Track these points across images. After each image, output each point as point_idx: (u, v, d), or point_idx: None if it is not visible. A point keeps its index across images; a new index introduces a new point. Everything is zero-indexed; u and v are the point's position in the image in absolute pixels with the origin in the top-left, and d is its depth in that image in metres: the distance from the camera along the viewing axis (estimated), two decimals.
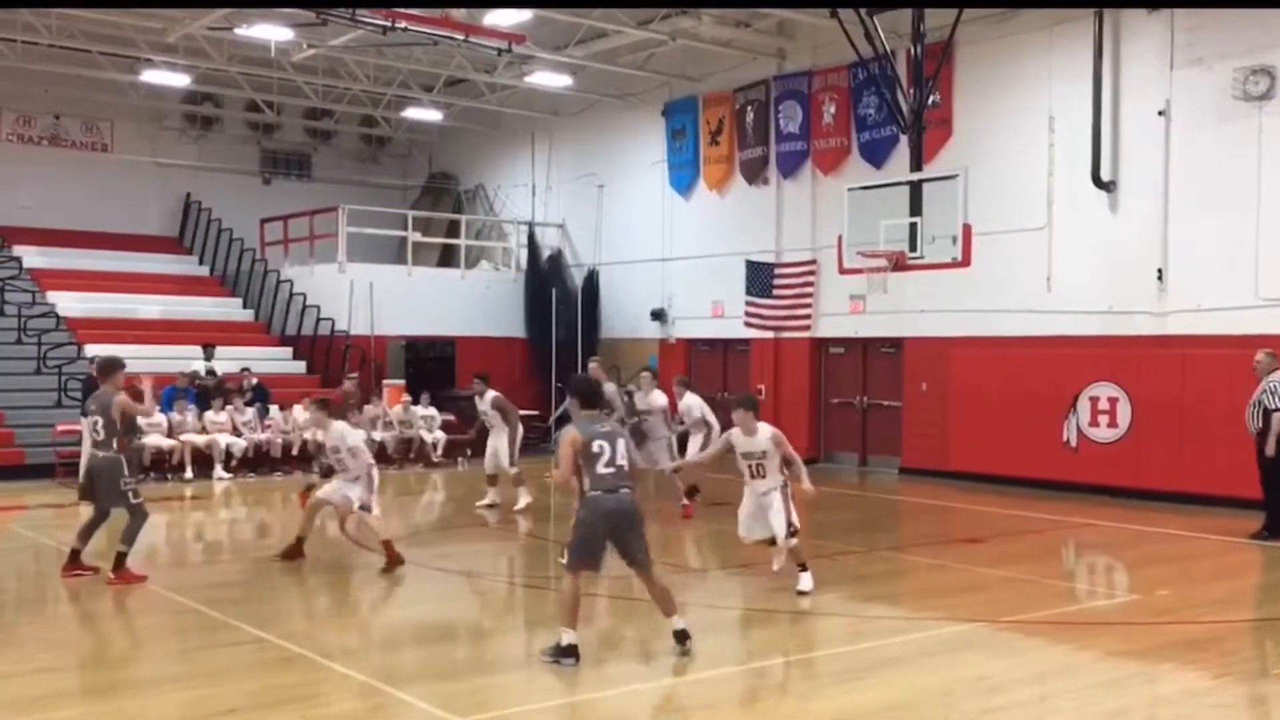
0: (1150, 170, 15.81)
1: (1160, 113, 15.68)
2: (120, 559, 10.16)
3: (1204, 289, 15.18)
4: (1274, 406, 12.34)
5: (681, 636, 7.82)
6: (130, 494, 10.21)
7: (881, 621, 9.03)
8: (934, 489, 17.05)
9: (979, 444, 17.20)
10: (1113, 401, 16.08)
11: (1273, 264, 14.56)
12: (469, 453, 19.58)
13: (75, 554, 10.38)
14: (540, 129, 25.56)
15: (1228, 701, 7.08)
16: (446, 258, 26.40)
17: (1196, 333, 15.17)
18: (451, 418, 21.04)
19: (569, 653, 7.54)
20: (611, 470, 7.65)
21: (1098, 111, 16.12)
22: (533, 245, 25.38)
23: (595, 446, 7.63)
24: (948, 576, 9.69)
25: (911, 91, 16.37)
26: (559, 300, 23.70)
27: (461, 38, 18.84)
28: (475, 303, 24.21)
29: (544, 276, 24.69)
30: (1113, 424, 16.09)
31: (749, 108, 21.33)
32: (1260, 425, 12.52)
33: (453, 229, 26.16)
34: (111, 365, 10.56)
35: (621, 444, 7.78)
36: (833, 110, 19.92)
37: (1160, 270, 15.67)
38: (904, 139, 17.08)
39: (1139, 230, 15.91)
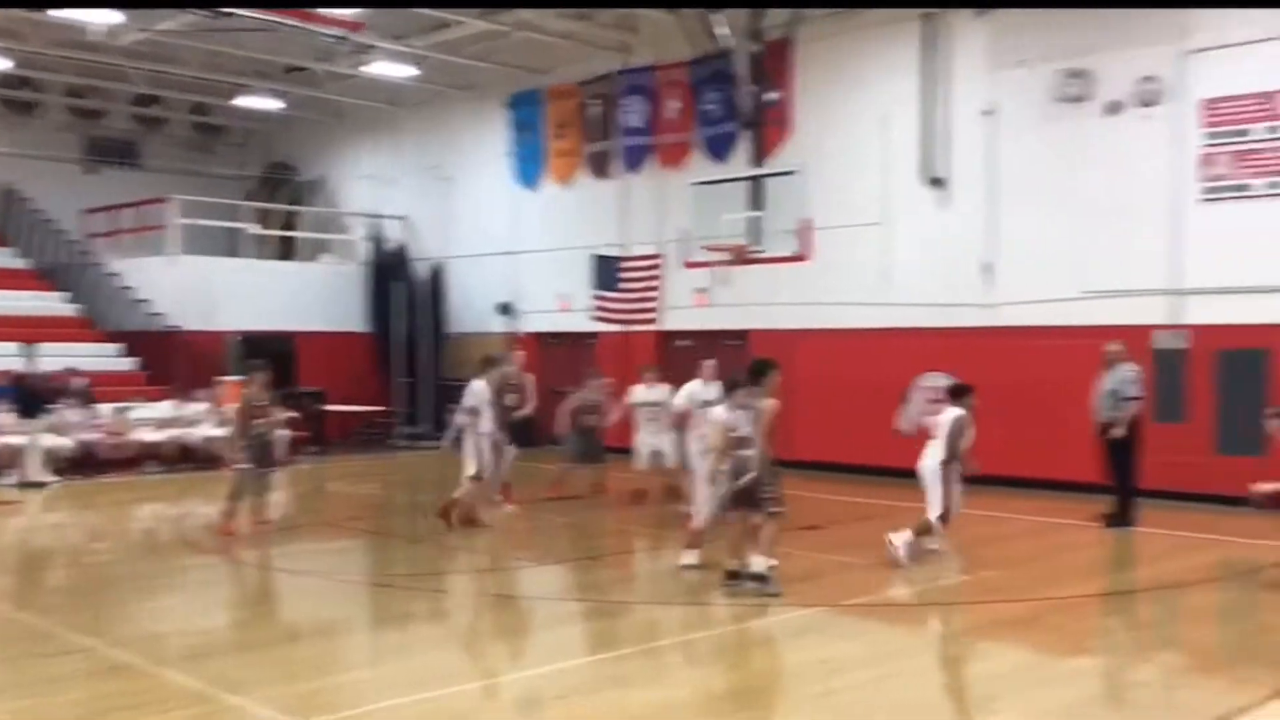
0: (978, 168, 16.45)
1: (986, 112, 16.33)
2: None
3: (1030, 282, 15.87)
4: (1130, 395, 12.97)
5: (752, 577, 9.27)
6: None
7: (724, 609, 9.18)
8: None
9: (823, 433, 17.61)
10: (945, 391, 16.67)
11: (1093, 258, 15.31)
12: (314, 450, 19.16)
13: None
14: (384, 119, 25.11)
15: (1051, 676, 7.44)
16: (286, 250, 25.73)
17: (1023, 324, 15.84)
18: (295, 415, 20.51)
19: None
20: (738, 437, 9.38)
21: (927, 111, 16.70)
22: (376, 238, 24.93)
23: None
24: (789, 563, 9.92)
25: (752, 88, 16.68)
26: (403, 295, 23.35)
27: (297, 24, 18.36)
28: (316, 297, 23.64)
29: (388, 270, 24.27)
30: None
31: (594, 101, 21.37)
32: (1114, 413, 13.08)
33: (292, 221, 25.48)
34: None
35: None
36: (676, 105, 20.12)
37: (988, 264, 16.34)
38: (746, 135, 17.38)
39: (968, 225, 16.54)
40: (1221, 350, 14.34)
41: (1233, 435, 14.15)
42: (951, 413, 11.13)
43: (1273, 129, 13.99)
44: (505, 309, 22.91)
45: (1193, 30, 14.51)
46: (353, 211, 25.78)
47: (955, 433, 10.97)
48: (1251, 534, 11.52)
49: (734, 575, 9.49)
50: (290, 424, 19.80)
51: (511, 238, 22.85)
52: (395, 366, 23.23)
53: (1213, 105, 14.42)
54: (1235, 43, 14.18)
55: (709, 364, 13.63)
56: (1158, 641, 8.73)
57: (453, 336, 23.84)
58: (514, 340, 15.09)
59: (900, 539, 10.73)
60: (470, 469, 12.84)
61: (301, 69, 22.67)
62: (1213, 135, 14.45)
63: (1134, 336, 14.02)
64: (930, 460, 11.07)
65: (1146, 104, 14.89)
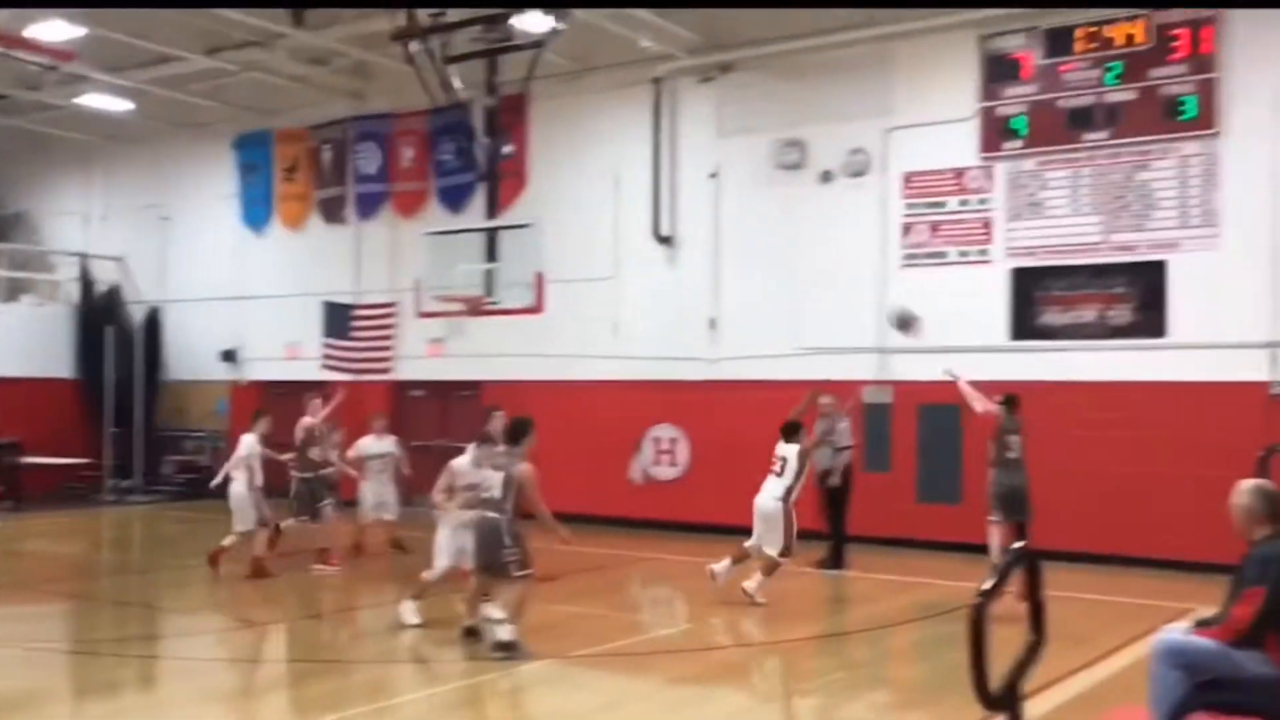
0: (703, 228, 17.20)
1: (712, 175, 17.12)
2: None
3: (750, 338, 16.67)
4: (842, 445, 13.75)
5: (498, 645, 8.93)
6: None
7: (456, 665, 9.12)
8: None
9: (557, 484, 17.56)
10: (673, 442, 17.27)
11: (807, 317, 16.24)
12: (7, 505, 17.73)
13: None
14: (97, 154, 23.72)
15: (768, 717, 7.79)
16: None
17: (745, 378, 16.60)
18: None
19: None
20: (484, 496, 9.29)
21: (657, 171, 17.35)
22: (85, 279, 23.42)
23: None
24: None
25: (487, 140, 16.83)
26: (116, 339, 21.98)
27: (2, 51, 17.16)
28: (16, 340, 21.93)
29: (99, 313, 22.82)
30: (673, 463, 17.27)
31: (326, 146, 20.98)
32: (828, 463, 13.87)
33: None
34: None
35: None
36: (411, 154, 20.04)
37: (712, 320, 17.04)
38: (481, 186, 17.51)
39: (694, 282, 17.23)
40: (921, 405, 15.49)
41: (932, 484, 15.30)
42: (793, 449, 11.57)
43: (964, 202, 15.34)
44: (228, 356, 21.99)
45: (895, 108, 15.74)
46: (59, 250, 24.15)
47: (801, 469, 11.47)
48: (949, 576, 12.44)
49: (471, 632, 9.40)
50: None
51: (236, 282, 22.00)
52: (106, 416, 21.81)
53: (912, 178, 15.67)
54: (931, 122, 15.49)
55: (316, 402, 13.92)
56: (868, 680, 9.28)
57: (170, 384, 22.67)
58: (328, 391, 14.77)
59: (753, 584, 11.16)
60: (240, 523, 12.91)
61: (3, 96, 21.14)
62: (912, 206, 15.69)
63: (845, 391, 14.93)
64: (771, 496, 11.51)
65: (855, 174, 16.02)
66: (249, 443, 13.14)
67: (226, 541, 12.95)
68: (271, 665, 9.63)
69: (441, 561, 10.40)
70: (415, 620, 10.12)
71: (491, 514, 9.17)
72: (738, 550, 11.71)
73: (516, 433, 9.56)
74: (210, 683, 8.90)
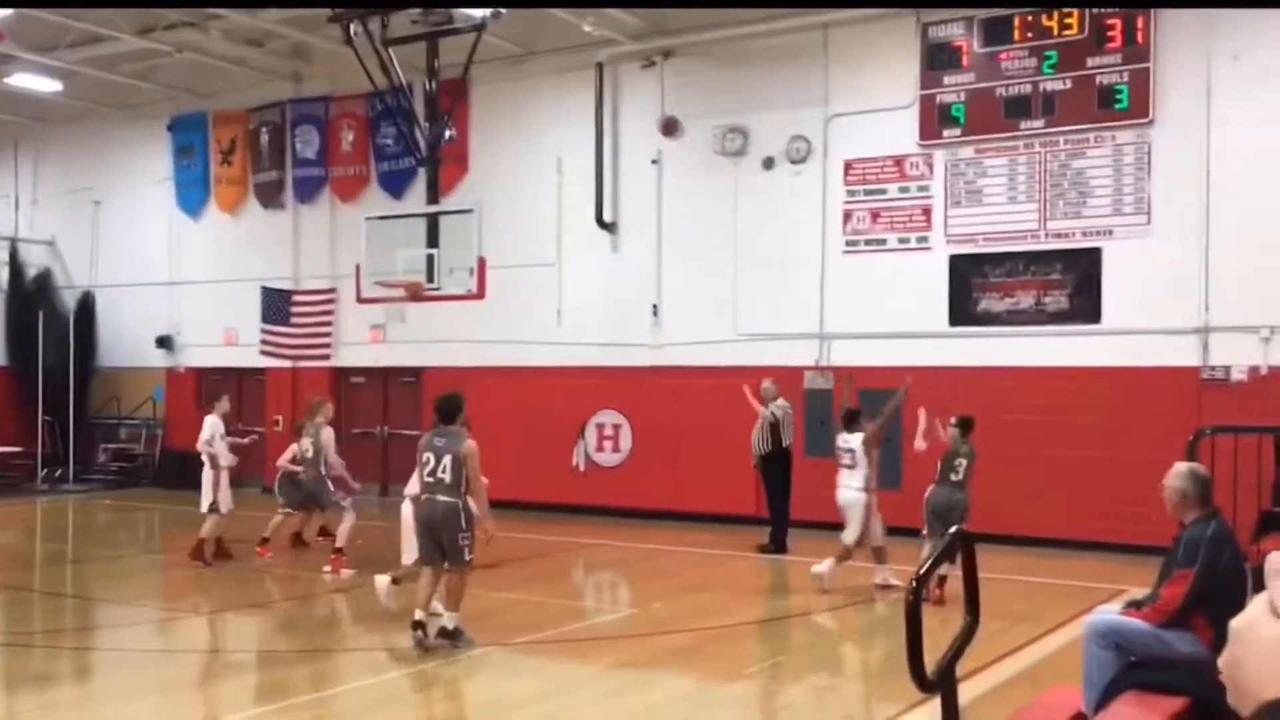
0: (646, 214, 17.18)
1: (654, 161, 17.10)
2: None
3: (692, 324, 16.70)
4: (779, 424, 13.88)
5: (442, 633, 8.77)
6: None
7: (397, 653, 9.04)
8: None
9: (498, 471, 17.60)
10: (616, 428, 17.27)
11: (748, 303, 16.31)
12: None
13: None
14: (25, 136, 23.16)
15: (710, 702, 7.83)
16: None
17: (687, 364, 16.64)
18: None
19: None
20: (431, 479, 8.80)
21: (600, 157, 17.30)
22: (15, 263, 22.89)
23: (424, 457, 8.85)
24: (465, 603, 9.93)
25: (428, 125, 16.68)
26: (47, 325, 21.53)
27: None
28: None
29: (29, 299, 22.34)
30: (616, 449, 17.28)
31: (264, 129, 20.67)
32: (768, 448, 13.94)
33: None
34: None
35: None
36: (351, 138, 19.81)
37: (655, 306, 17.05)
38: (422, 171, 17.34)
39: (637, 269, 17.22)
40: (862, 390, 15.58)
41: None
42: (856, 438, 11.38)
43: (904, 189, 15.46)
44: (164, 342, 21.64)
45: (835, 96, 15.82)
46: None
47: (869, 457, 11.30)
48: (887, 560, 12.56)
49: (419, 625, 8.86)
50: None
51: (172, 267, 21.65)
52: (38, 403, 21.36)
53: (853, 165, 15.77)
54: (871, 109, 15.59)
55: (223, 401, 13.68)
56: (808, 663, 9.35)
57: (104, 371, 22.26)
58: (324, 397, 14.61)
59: (823, 566, 11.12)
60: (205, 502, 12.88)
61: None
62: (853, 193, 15.79)
63: (787, 376, 15.03)
64: (850, 488, 11.34)
65: (797, 161, 16.09)
66: (209, 424, 13.08)
67: (203, 531, 12.83)
68: (209, 655, 9.51)
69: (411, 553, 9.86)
70: (390, 604, 9.77)
71: (445, 498, 8.80)
72: (840, 550, 11.42)
73: (451, 410, 9.18)
74: (147, 674, 8.77)
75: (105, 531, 17.05)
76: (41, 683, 8.43)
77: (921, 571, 3.85)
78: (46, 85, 20.04)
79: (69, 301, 22.55)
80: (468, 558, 8.88)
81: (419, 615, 8.86)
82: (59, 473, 21.22)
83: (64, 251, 23.10)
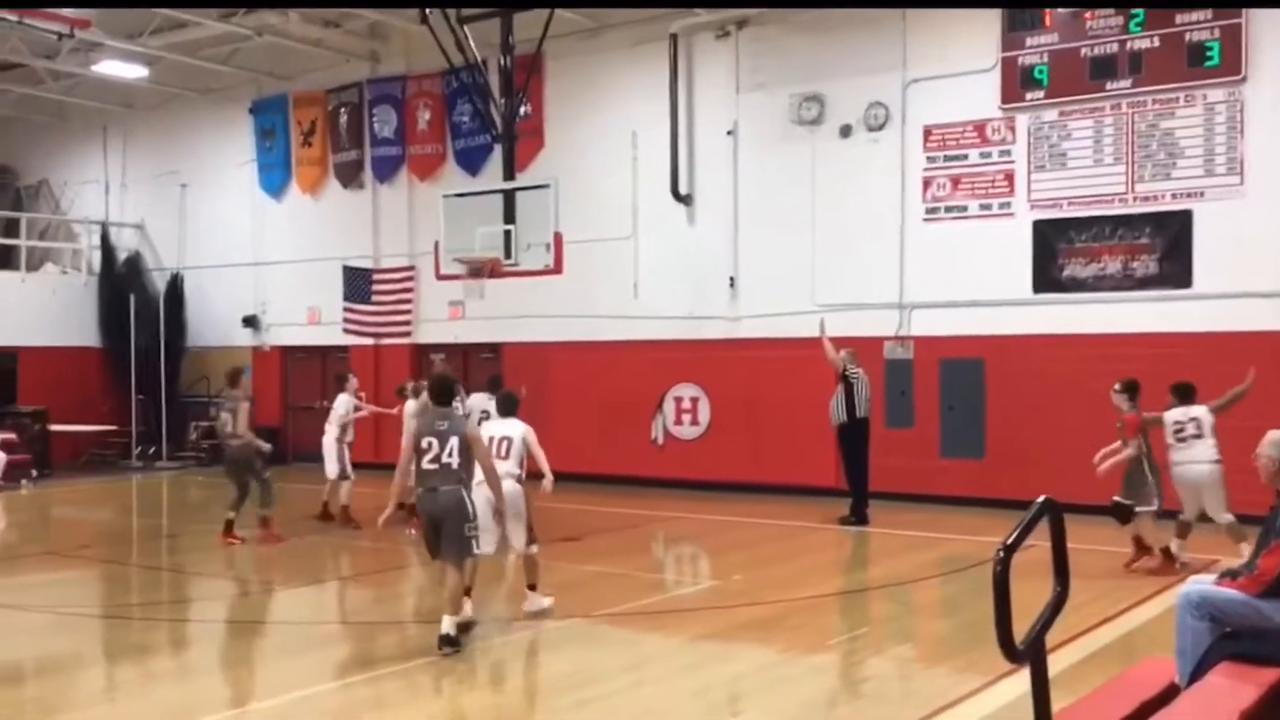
0: (722, 186, 17.07)
1: (729, 132, 16.97)
2: None
3: (770, 296, 16.58)
4: (860, 396, 13.76)
5: (445, 640, 8.00)
6: None
7: (486, 625, 9.15)
8: (535, 490, 17.46)
9: (578, 444, 17.77)
10: (694, 401, 17.26)
11: (826, 274, 16.14)
12: (34, 474, 17.94)
13: None
14: (114, 122, 23.74)
15: (792, 674, 7.81)
16: (6, 260, 23.90)
17: (765, 336, 16.53)
18: (13, 437, 19.14)
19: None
20: (434, 466, 8.15)
21: (675, 129, 17.21)
22: (107, 247, 23.51)
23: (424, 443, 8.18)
24: (547, 576, 10.02)
25: (503, 101, 16.74)
26: (138, 307, 22.11)
27: (15, 20, 17.14)
28: (40, 309, 22.09)
29: (121, 281, 22.95)
30: (694, 422, 17.27)
31: (342, 110, 20.92)
32: (844, 417, 13.84)
33: (12, 228, 23.70)
34: None
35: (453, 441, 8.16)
36: (428, 116, 19.96)
37: (732, 279, 16.96)
38: (498, 147, 17.40)
39: (713, 241, 17.13)
40: (943, 359, 15.40)
41: (955, 439, 15.24)
42: (1201, 409, 10.58)
43: (985, 154, 15.15)
44: (250, 322, 22.08)
45: (914, 61, 15.54)
46: (81, 219, 24.24)
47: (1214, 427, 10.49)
48: (973, 531, 12.41)
49: (450, 640, 8.09)
50: (6, 446, 18.46)
51: (256, 248, 22.06)
52: (130, 383, 21.95)
53: (932, 131, 15.48)
54: (951, 74, 15.28)
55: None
56: (891, 635, 9.28)
57: (193, 350, 22.78)
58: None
59: (1175, 545, 10.56)
60: (335, 470, 14.25)
61: (20, 65, 21.15)
62: (932, 159, 15.52)
63: (866, 348, 14.85)
64: (1205, 460, 10.47)
65: (875, 128, 15.85)
66: (344, 401, 14.53)
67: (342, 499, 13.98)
68: (298, 628, 9.71)
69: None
70: (541, 606, 9.31)
71: (448, 486, 8.17)
72: (1179, 527, 10.83)
73: (448, 391, 8.71)
74: (235, 645, 9.00)
75: (198, 508, 17.49)
76: (140, 653, 8.69)
77: (1009, 540, 3.77)
78: (133, 72, 20.51)
79: (158, 283, 23.11)
80: (476, 550, 8.36)
81: (449, 627, 8.07)
82: (152, 450, 21.81)
83: (152, 234, 23.65)
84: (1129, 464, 10.74)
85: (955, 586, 10.69)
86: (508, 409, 9.82)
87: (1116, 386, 10.98)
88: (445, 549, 8.25)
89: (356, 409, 14.79)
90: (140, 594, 11.13)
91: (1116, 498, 10.69)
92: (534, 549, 9.42)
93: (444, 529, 8.22)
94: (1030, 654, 3.79)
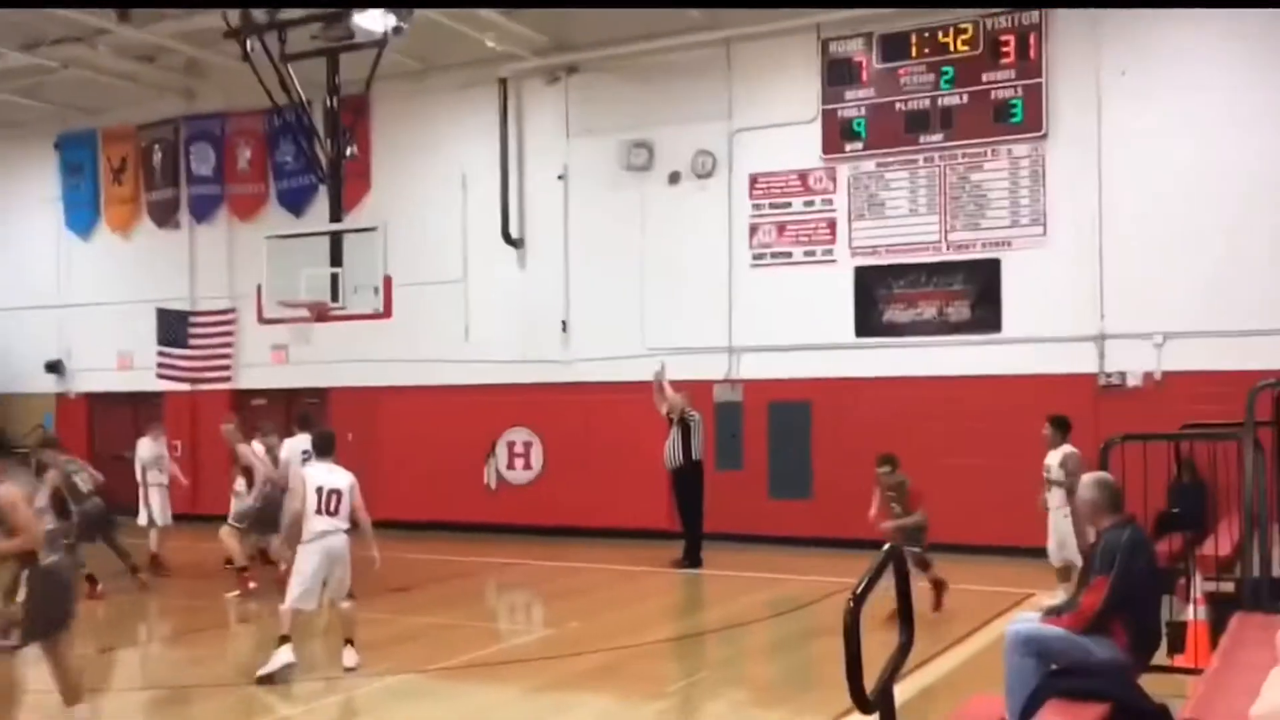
0: (553, 229, 17.11)
1: (560, 177, 17.04)
2: None
3: (602, 339, 16.65)
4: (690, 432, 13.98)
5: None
6: None
7: (312, 684, 8.83)
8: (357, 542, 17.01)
9: (408, 490, 17.37)
10: (527, 445, 17.14)
11: (656, 318, 16.32)
12: None
13: None
14: None
15: None
16: None
17: (597, 379, 16.57)
18: None
19: None
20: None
21: (505, 172, 17.19)
22: None
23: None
24: (377, 629, 9.74)
25: (329, 141, 16.38)
26: None
27: None
28: None
29: None
30: (527, 466, 17.14)
31: (156, 146, 20.13)
32: (680, 460, 13.95)
33: None
34: None
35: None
36: (248, 155, 19.38)
37: (564, 322, 16.97)
38: (324, 189, 17.01)
39: (545, 285, 17.13)
40: (772, 402, 15.73)
41: (783, 480, 15.56)
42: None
43: (808, 203, 15.64)
44: (54, 367, 20.91)
45: (739, 111, 15.95)
46: None
47: None
48: (801, 570, 12.67)
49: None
50: None
51: (61, 290, 20.94)
52: None
53: (758, 179, 15.90)
54: (775, 124, 15.74)
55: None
56: (728, 680, 9.35)
57: None
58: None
59: None
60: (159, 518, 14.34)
61: None
62: (758, 206, 15.92)
63: (697, 390, 15.06)
64: None
65: (702, 176, 16.17)
66: (150, 445, 14.64)
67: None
68: (121, 694, 9.16)
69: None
70: (353, 664, 9.06)
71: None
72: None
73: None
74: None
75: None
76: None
77: (858, 590, 3.85)
78: None
79: None
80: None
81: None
82: None
83: None
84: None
85: (788, 628, 10.87)
86: (326, 448, 9.52)
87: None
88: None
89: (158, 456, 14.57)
90: None
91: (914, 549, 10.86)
92: (352, 603, 9.20)
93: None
94: (881, 703, 3.86)
